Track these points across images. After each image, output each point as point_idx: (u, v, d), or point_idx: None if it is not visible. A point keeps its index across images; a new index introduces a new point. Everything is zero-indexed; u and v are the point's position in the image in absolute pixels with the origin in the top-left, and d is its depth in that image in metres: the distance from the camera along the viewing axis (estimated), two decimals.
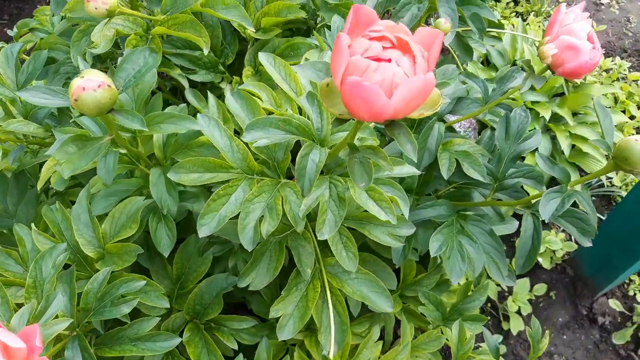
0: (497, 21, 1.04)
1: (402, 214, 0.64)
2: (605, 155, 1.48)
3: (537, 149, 1.06)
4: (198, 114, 0.66)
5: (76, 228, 0.67)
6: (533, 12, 1.88)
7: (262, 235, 0.62)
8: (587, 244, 0.71)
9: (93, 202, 0.67)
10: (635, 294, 1.42)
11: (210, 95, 0.85)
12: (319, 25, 0.93)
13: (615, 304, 1.41)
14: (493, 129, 0.89)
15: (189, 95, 0.84)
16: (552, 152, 1.41)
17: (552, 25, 0.65)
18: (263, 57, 0.75)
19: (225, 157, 0.66)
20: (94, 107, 0.48)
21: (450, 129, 0.87)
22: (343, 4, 0.94)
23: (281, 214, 0.63)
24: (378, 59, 0.42)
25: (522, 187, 0.81)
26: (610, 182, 1.51)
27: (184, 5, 0.65)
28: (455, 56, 1.05)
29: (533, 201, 0.75)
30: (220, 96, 0.92)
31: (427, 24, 1.01)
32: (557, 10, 0.65)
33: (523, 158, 1.44)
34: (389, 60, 0.42)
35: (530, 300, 1.42)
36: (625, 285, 1.44)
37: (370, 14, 0.44)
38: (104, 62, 0.76)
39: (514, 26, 1.73)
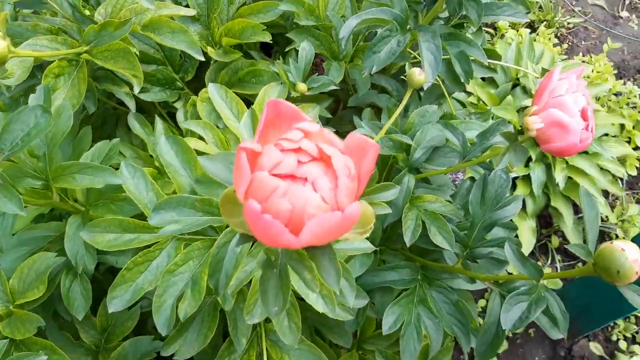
0: (494, 50, 0.93)
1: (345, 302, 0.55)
2: (603, 192, 1.39)
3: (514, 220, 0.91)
4: (122, 163, 0.57)
5: None
6: (545, 22, 1.74)
7: (180, 317, 0.53)
8: (557, 336, 0.63)
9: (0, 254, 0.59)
10: (618, 340, 1.34)
11: (157, 121, 0.76)
12: (288, 48, 0.83)
13: (596, 348, 1.34)
14: (473, 179, 0.80)
15: (132, 120, 0.74)
16: (546, 183, 1.32)
17: (541, 91, 0.55)
18: (213, 90, 0.66)
19: (148, 216, 0.57)
20: None
21: (425, 180, 0.77)
22: (319, 26, 0.83)
23: (205, 290, 0.55)
24: (292, 177, 0.32)
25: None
26: (607, 217, 1.42)
27: (110, 38, 0.55)
28: (442, 84, 0.94)
29: (501, 281, 0.66)
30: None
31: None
32: (550, 75, 0.55)
33: (515, 186, 1.35)
34: (305, 180, 0.32)
35: (506, 337, 1.34)
36: (609, 329, 1.36)
37: (291, 112, 0.35)
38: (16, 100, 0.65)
39: (522, 36, 1.61)
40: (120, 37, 0.56)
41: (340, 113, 0.96)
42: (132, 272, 0.55)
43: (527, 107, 1.35)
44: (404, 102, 0.69)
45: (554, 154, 0.56)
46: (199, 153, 0.69)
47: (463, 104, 1.34)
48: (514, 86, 1.43)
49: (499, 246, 0.69)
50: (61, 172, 0.55)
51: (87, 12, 0.77)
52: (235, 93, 0.79)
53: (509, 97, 1.37)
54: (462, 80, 0.74)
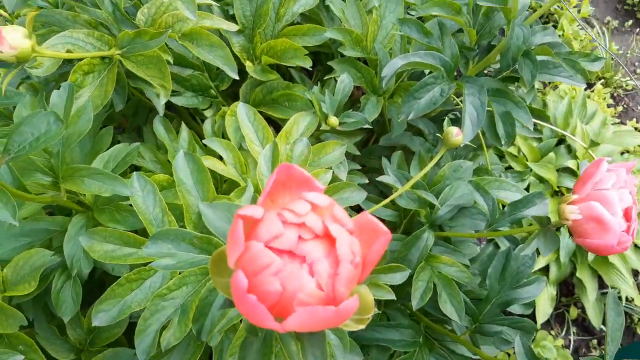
0: (543, 112, 0.88)
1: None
2: (633, 271, 1.31)
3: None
4: (134, 174, 0.55)
5: None
6: (603, 80, 1.67)
7: (162, 347, 0.51)
8: None
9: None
10: None
11: (183, 129, 0.74)
12: (327, 77, 0.80)
13: None
14: (497, 245, 0.76)
15: (157, 124, 0.73)
16: (575, 252, 1.25)
17: (585, 179, 0.51)
18: (242, 110, 0.64)
19: (151, 231, 0.55)
20: None
21: (446, 238, 0.73)
22: (364, 58, 0.80)
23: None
24: (290, 254, 0.29)
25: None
26: (632, 299, 1.34)
27: (144, 47, 0.53)
28: (481, 136, 0.90)
29: None
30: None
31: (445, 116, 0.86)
32: (597, 164, 0.50)
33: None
34: (303, 260, 0.29)
35: None
36: None
37: (302, 177, 0.32)
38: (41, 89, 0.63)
39: (575, 91, 1.54)
40: (153, 48, 0.54)
41: (370, 147, 0.92)
42: (124, 288, 0.53)
43: (567, 167, 1.29)
44: (437, 158, 0.65)
45: (587, 249, 0.52)
46: (215, 175, 0.67)
47: (501, 155, 1.28)
48: (559, 141, 1.37)
49: (510, 326, 0.65)
50: (71, 173, 0.54)
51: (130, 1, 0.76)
52: (267, 113, 0.77)
53: (552, 154, 1.31)
54: (502, 143, 0.70)
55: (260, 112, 0.78)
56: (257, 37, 0.78)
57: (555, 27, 1.74)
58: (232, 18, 0.82)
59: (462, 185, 0.71)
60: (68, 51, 0.57)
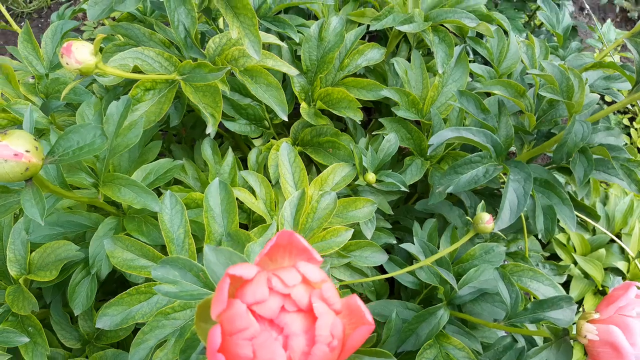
0: (593, 210, 0.84)
1: None
2: None
3: None
4: (167, 192, 0.58)
5: (12, 241, 0.62)
6: None
7: None
8: None
9: (35, 225, 0.61)
10: None
11: (229, 153, 0.77)
12: (376, 132, 0.80)
13: None
14: (515, 339, 0.72)
15: (205, 145, 0.76)
16: None
17: (611, 300, 0.48)
18: (284, 150, 0.65)
19: (170, 250, 0.57)
20: (0, 177, 0.41)
21: (463, 320, 0.71)
22: (417, 121, 0.80)
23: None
24: (270, 322, 0.30)
25: None
26: None
27: (202, 78, 0.57)
28: (523, 219, 0.87)
29: None
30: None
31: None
32: (626, 287, 0.47)
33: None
34: (280, 331, 0.30)
35: None
36: None
37: (302, 247, 0.32)
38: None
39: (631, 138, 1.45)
40: (210, 81, 0.57)
41: (409, 206, 0.91)
42: (132, 298, 0.55)
43: (615, 268, 1.21)
44: (463, 241, 0.63)
45: None
46: (244, 209, 0.69)
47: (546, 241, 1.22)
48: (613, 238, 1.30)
49: None
50: (111, 179, 0.57)
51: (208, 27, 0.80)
52: (310, 155, 0.78)
53: (602, 251, 1.24)
54: (539, 237, 0.67)
55: (305, 152, 0.80)
56: (317, 81, 0.81)
57: (634, 119, 1.66)
58: (299, 58, 0.85)
59: (489, 269, 0.69)
60: (135, 67, 0.62)
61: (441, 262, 0.66)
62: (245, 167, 0.83)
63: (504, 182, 0.85)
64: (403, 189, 0.71)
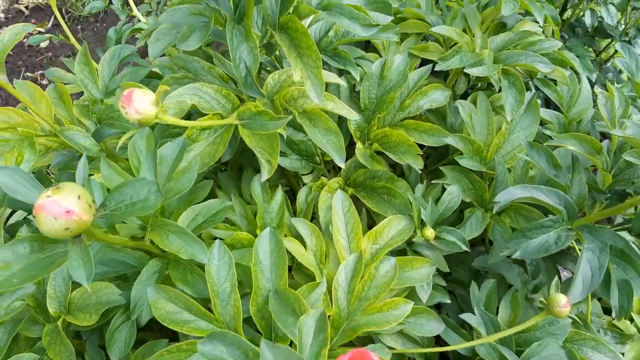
0: None
1: None
2: None
3: None
4: (216, 242, 0.55)
5: (53, 277, 0.61)
6: None
7: None
8: None
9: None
10: None
11: (278, 192, 0.73)
12: (436, 181, 0.75)
13: None
14: None
15: (255, 183, 0.72)
16: None
17: None
18: (338, 198, 0.62)
19: (215, 304, 0.54)
20: (49, 233, 0.39)
21: None
22: (480, 172, 0.75)
23: None
24: None
25: None
26: None
27: (261, 126, 0.53)
28: None
29: None
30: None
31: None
32: None
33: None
34: None
35: None
36: None
37: None
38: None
39: None
40: (270, 130, 0.53)
41: (462, 254, 0.86)
42: (172, 356, 0.52)
43: None
44: (531, 322, 0.58)
45: None
46: (294, 261, 0.65)
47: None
48: None
49: None
50: (160, 224, 0.54)
51: (266, 57, 0.77)
52: (362, 200, 0.74)
53: None
54: (613, 315, 0.61)
55: (356, 196, 0.76)
56: (375, 120, 0.77)
57: None
58: (357, 93, 0.81)
59: (553, 343, 0.63)
60: (193, 105, 0.59)
61: (503, 341, 0.60)
62: (293, 204, 0.80)
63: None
64: (464, 248, 0.66)
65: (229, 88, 0.68)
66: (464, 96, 1.04)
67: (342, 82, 0.69)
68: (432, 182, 0.75)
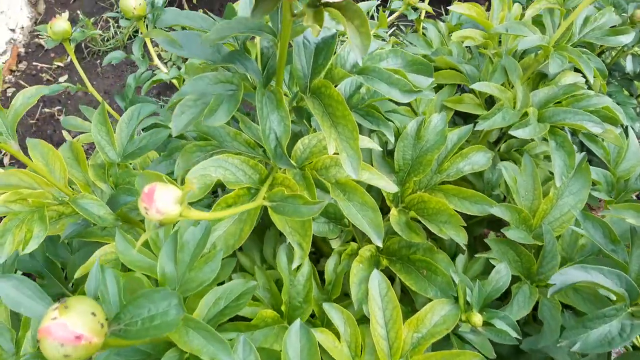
0: None
1: None
2: None
3: None
4: (241, 339, 0.49)
5: None
6: None
7: None
8: None
9: None
10: None
11: (306, 264, 0.67)
12: (480, 255, 0.69)
13: None
14: None
15: (281, 252, 0.67)
16: None
17: None
18: (374, 280, 0.56)
19: None
20: None
21: None
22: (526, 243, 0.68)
23: None
24: None
25: None
26: None
27: (296, 212, 0.48)
28: None
29: None
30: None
31: None
32: None
33: None
34: None
35: None
36: None
37: None
38: None
39: None
40: (305, 217, 0.48)
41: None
42: None
43: None
44: None
45: None
46: (327, 356, 0.59)
47: None
48: None
49: None
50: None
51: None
52: (398, 274, 0.68)
53: None
54: None
55: (391, 268, 0.69)
56: (410, 183, 0.71)
57: None
58: (390, 152, 0.76)
59: None
60: (218, 181, 0.54)
61: None
62: (317, 264, 0.74)
63: None
64: (515, 336, 0.59)
65: (257, 155, 0.63)
66: (497, 141, 0.99)
67: (376, 146, 0.64)
68: (476, 255, 0.68)
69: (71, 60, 2.20)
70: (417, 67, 0.60)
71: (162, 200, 0.37)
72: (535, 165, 0.72)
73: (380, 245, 0.57)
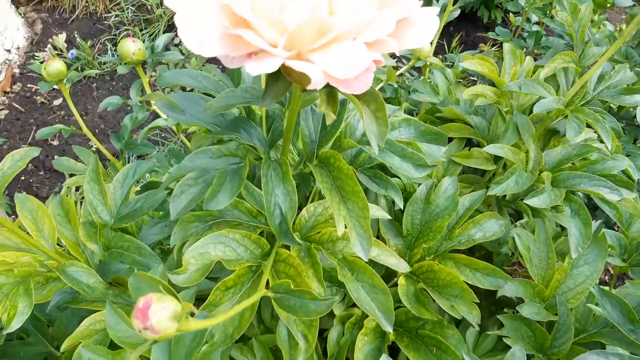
0: None
1: None
2: None
3: None
4: None
5: None
6: None
7: None
8: None
9: None
10: None
11: (300, 338, 0.63)
12: (492, 332, 0.65)
13: None
14: None
15: (282, 329, 0.63)
16: None
17: None
18: None
19: None
20: None
21: None
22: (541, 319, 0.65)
23: None
24: None
25: None
26: None
27: (303, 309, 0.44)
28: None
29: None
30: None
31: None
32: None
33: None
34: None
35: None
36: None
37: None
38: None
39: None
40: (312, 315, 0.44)
41: None
42: None
43: None
44: None
45: None
46: None
47: None
48: None
49: None
50: None
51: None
52: (406, 350, 0.64)
53: None
54: None
55: (398, 343, 0.65)
56: (418, 249, 0.67)
57: None
58: (397, 216, 0.72)
59: None
60: (219, 260, 0.50)
61: None
62: (322, 344, 0.70)
63: None
64: None
65: (259, 224, 0.59)
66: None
67: (386, 215, 0.61)
68: (487, 332, 0.65)
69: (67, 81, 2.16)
70: (431, 136, 0.57)
71: (158, 318, 0.33)
72: (549, 232, 0.68)
73: (390, 330, 0.53)
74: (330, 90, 0.41)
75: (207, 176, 0.48)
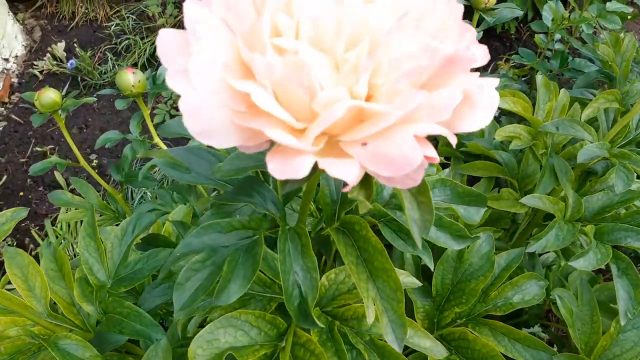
0: None
1: None
2: None
3: None
4: None
5: None
6: None
7: None
8: None
9: None
10: None
11: None
12: None
13: None
14: None
15: None
16: None
17: None
18: None
19: None
20: None
21: None
22: None
23: None
24: None
25: None
26: None
27: None
28: None
29: None
30: None
31: None
32: None
33: None
34: None
35: None
36: None
37: None
38: None
39: None
40: None
41: None
42: None
43: None
44: None
45: None
46: None
47: None
48: None
49: None
50: None
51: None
52: None
53: None
54: None
55: None
56: (448, 311, 0.61)
57: None
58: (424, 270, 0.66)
59: None
60: (230, 351, 0.44)
61: None
62: None
63: None
64: None
65: (273, 295, 0.52)
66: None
67: (416, 282, 0.54)
68: None
69: (67, 94, 2.10)
70: (470, 199, 0.51)
71: None
72: (593, 294, 0.62)
73: None
74: (365, 176, 0.34)
75: (215, 257, 0.42)
